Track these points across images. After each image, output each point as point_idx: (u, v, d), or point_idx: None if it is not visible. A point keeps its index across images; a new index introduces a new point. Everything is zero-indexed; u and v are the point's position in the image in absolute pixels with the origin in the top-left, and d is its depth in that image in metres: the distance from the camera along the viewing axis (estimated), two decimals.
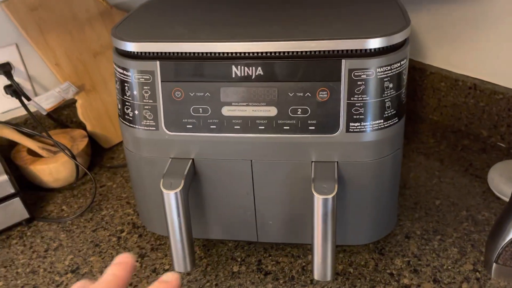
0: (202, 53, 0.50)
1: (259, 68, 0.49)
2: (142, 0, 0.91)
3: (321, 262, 0.51)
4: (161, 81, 0.51)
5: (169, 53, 0.50)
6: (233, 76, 0.50)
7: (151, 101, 0.52)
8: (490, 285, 0.55)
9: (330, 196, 0.48)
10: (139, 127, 0.53)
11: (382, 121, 0.50)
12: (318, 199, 0.48)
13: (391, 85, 0.49)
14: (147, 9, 0.63)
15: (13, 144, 0.79)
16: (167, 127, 0.53)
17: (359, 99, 0.49)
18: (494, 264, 0.54)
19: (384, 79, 0.48)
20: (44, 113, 0.77)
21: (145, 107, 0.52)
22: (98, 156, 0.86)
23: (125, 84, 0.53)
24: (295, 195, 0.55)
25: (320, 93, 0.49)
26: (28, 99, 0.76)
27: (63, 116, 0.85)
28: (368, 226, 0.58)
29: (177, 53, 0.50)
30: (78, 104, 0.82)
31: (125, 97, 0.53)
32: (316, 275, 0.52)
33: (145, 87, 0.52)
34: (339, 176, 0.52)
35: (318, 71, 0.48)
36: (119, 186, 0.78)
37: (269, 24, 0.53)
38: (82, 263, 0.62)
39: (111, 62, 0.85)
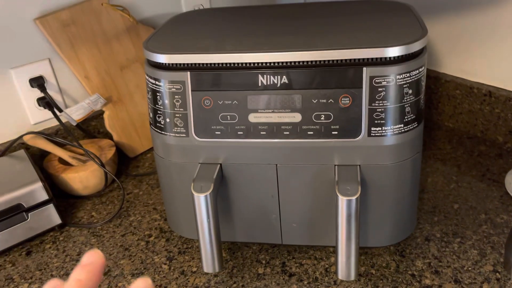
0: (230, 63, 0.53)
1: (284, 76, 0.52)
2: (166, 15, 0.96)
3: (345, 262, 0.53)
4: (192, 91, 0.54)
5: (199, 64, 0.54)
6: (259, 84, 0.53)
7: (182, 109, 0.55)
8: (511, 285, 0.56)
9: (354, 198, 0.50)
10: (170, 134, 0.57)
11: (402, 125, 0.52)
12: (342, 201, 0.50)
13: (410, 91, 0.51)
14: (175, 23, 0.66)
15: (45, 154, 0.83)
16: (197, 133, 0.56)
17: (380, 104, 0.51)
18: None
19: (404, 86, 0.51)
20: (74, 123, 0.81)
21: (176, 115, 0.55)
22: (124, 165, 0.89)
23: (157, 94, 0.56)
24: (318, 198, 0.57)
25: (342, 99, 0.52)
26: (60, 110, 0.80)
27: (91, 127, 0.89)
28: (389, 228, 0.60)
29: (206, 64, 0.53)
30: (105, 115, 0.86)
31: (156, 106, 0.57)
32: (340, 275, 0.54)
33: (176, 96, 0.55)
34: (361, 179, 0.54)
35: (340, 78, 0.51)
36: (145, 193, 0.81)
37: (292, 34, 0.56)
38: (113, 266, 0.65)
39: (136, 75, 0.89)
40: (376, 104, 0.51)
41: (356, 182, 0.52)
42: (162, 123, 0.57)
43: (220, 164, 0.57)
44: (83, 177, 0.77)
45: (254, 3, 1.09)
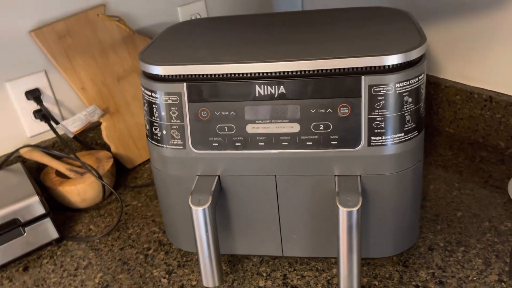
0: (226, 74, 0.52)
1: (282, 86, 0.51)
2: (162, 25, 0.95)
3: (347, 274, 0.52)
4: (188, 102, 0.53)
5: (195, 75, 0.53)
6: (257, 95, 0.52)
7: (179, 121, 0.54)
8: None
9: (355, 209, 0.49)
10: (167, 146, 0.56)
11: (402, 134, 0.51)
12: (343, 212, 0.49)
13: (410, 100, 0.51)
14: (170, 34, 0.66)
15: (42, 167, 0.82)
16: (194, 145, 0.55)
17: (379, 113, 0.50)
18: None
19: (403, 94, 0.50)
20: (71, 135, 0.80)
21: (173, 127, 0.55)
22: (122, 176, 0.88)
23: (153, 106, 0.55)
24: (319, 209, 0.56)
25: (341, 109, 0.51)
26: (57, 122, 0.79)
27: (88, 139, 0.88)
28: (391, 238, 0.59)
29: (203, 75, 0.53)
30: (102, 127, 0.85)
31: (153, 118, 0.56)
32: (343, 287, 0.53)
33: (172, 108, 0.54)
34: (362, 189, 0.54)
35: (338, 88, 0.50)
36: (144, 205, 0.80)
37: (289, 43, 0.55)
38: (112, 280, 0.64)
39: (133, 85, 0.89)
40: (375, 113, 0.50)
41: (357, 193, 0.51)
42: (159, 135, 0.56)
43: (218, 176, 0.56)
44: (80, 190, 0.76)
45: (251, 12, 1.08)
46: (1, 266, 0.68)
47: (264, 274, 0.62)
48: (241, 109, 0.53)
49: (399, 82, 0.50)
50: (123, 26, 0.85)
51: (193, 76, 0.53)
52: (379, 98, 0.50)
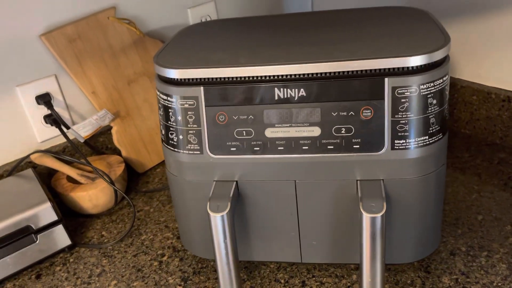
0: (245, 77, 0.51)
1: (302, 89, 0.50)
2: (172, 27, 0.94)
3: (370, 282, 0.51)
4: (205, 106, 0.52)
5: (212, 78, 0.52)
6: (276, 98, 0.51)
7: (196, 125, 0.53)
8: None
9: (379, 215, 0.48)
10: (184, 151, 0.54)
11: (427, 137, 0.50)
12: (366, 218, 0.48)
13: (434, 101, 0.49)
14: (184, 36, 0.64)
15: (53, 172, 0.81)
16: (211, 150, 0.53)
17: (403, 116, 0.49)
18: None
19: (428, 96, 0.49)
20: (82, 140, 0.79)
21: (190, 131, 0.53)
22: (133, 181, 0.87)
23: (169, 110, 0.54)
24: (340, 214, 0.55)
25: (363, 111, 0.49)
26: (67, 127, 0.78)
27: (99, 143, 0.87)
28: (413, 243, 0.57)
29: (220, 78, 0.51)
30: (113, 131, 0.84)
31: (169, 122, 0.55)
32: None
33: (189, 112, 0.53)
34: (385, 194, 0.52)
35: (361, 90, 0.49)
36: (156, 210, 0.78)
37: (307, 45, 0.54)
38: None
39: (144, 89, 0.88)
40: (399, 116, 0.49)
41: (380, 198, 0.49)
42: (175, 140, 0.55)
43: (236, 181, 0.55)
44: (92, 196, 0.75)
45: (261, 13, 1.07)
46: (13, 274, 0.67)
47: (282, 281, 0.60)
48: (260, 113, 0.51)
49: (423, 84, 0.48)
50: (134, 29, 0.84)
51: (210, 80, 0.52)
52: (402, 100, 0.48)
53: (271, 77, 0.50)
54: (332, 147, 0.51)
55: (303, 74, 0.50)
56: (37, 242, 0.67)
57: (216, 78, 0.51)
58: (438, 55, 0.48)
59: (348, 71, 0.49)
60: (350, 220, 0.55)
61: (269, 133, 0.52)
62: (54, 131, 0.81)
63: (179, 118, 0.53)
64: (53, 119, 0.78)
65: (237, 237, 0.59)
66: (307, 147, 0.51)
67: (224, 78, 0.51)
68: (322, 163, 0.52)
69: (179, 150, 0.55)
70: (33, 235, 0.66)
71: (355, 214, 0.55)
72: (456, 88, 0.87)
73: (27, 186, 0.71)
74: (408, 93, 0.48)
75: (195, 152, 0.54)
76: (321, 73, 0.49)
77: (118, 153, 0.87)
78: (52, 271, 0.67)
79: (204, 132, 0.53)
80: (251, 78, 0.51)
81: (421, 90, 0.48)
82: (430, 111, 0.49)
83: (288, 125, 0.51)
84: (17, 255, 0.66)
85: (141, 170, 0.88)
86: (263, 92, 0.51)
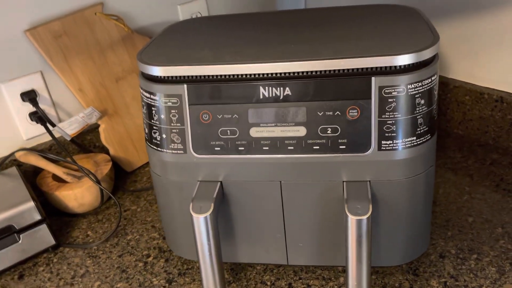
0: (229, 75, 0.50)
1: (287, 88, 0.49)
2: (162, 24, 0.93)
3: (356, 286, 0.50)
4: (189, 104, 0.51)
5: (196, 76, 0.50)
6: (261, 97, 0.50)
7: (179, 124, 0.52)
8: None
9: (364, 217, 0.47)
10: (167, 150, 0.53)
11: (414, 138, 0.49)
12: (352, 220, 0.47)
13: (422, 102, 0.48)
14: (170, 33, 0.63)
15: (38, 171, 0.80)
16: (195, 150, 0.52)
17: (390, 116, 0.48)
18: None
19: (416, 96, 0.47)
20: (68, 138, 0.77)
21: (173, 130, 0.52)
22: (121, 180, 0.86)
23: (152, 108, 0.53)
24: (326, 216, 0.54)
25: (350, 111, 0.48)
26: (53, 125, 0.77)
27: (86, 141, 0.86)
28: (402, 246, 0.56)
29: (204, 76, 0.50)
30: (101, 129, 0.83)
31: (152, 121, 0.53)
32: None
33: (172, 111, 0.51)
34: (372, 196, 0.51)
35: (347, 89, 0.48)
36: (143, 209, 0.77)
37: (294, 43, 0.53)
38: None
39: (132, 86, 0.86)
40: (386, 116, 0.48)
41: (366, 200, 0.48)
42: (158, 139, 0.53)
43: (221, 181, 0.54)
44: (78, 195, 0.73)
45: (253, 10, 1.06)
46: None
47: (268, 283, 0.59)
48: (244, 112, 0.50)
49: (411, 83, 0.47)
50: (122, 25, 0.83)
51: (194, 77, 0.50)
52: (390, 100, 0.47)
53: (256, 76, 0.49)
54: (318, 147, 0.50)
55: (289, 73, 0.49)
56: (20, 242, 0.66)
57: (200, 76, 0.50)
58: (426, 54, 0.47)
59: (334, 70, 0.48)
60: (337, 222, 0.54)
61: (254, 132, 0.51)
62: (39, 128, 0.79)
63: (162, 116, 0.52)
64: (39, 117, 0.76)
65: (222, 239, 0.58)
66: (292, 147, 0.50)
67: (208, 76, 0.50)
68: (307, 163, 0.51)
69: (162, 150, 0.54)
70: (15, 234, 0.65)
71: (341, 216, 0.54)
72: (449, 88, 0.86)
73: (11, 185, 0.70)
74: (396, 92, 0.47)
75: (178, 152, 0.53)
76: (306, 72, 0.48)
77: (106, 151, 0.86)
78: (35, 272, 0.66)
79: (187, 131, 0.52)
80: (235, 76, 0.50)
81: (409, 90, 0.47)
82: (418, 111, 0.48)
83: (273, 124, 0.50)
84: None
85: (129, 169, 0.87)
86: (247, 90, 0.50)
